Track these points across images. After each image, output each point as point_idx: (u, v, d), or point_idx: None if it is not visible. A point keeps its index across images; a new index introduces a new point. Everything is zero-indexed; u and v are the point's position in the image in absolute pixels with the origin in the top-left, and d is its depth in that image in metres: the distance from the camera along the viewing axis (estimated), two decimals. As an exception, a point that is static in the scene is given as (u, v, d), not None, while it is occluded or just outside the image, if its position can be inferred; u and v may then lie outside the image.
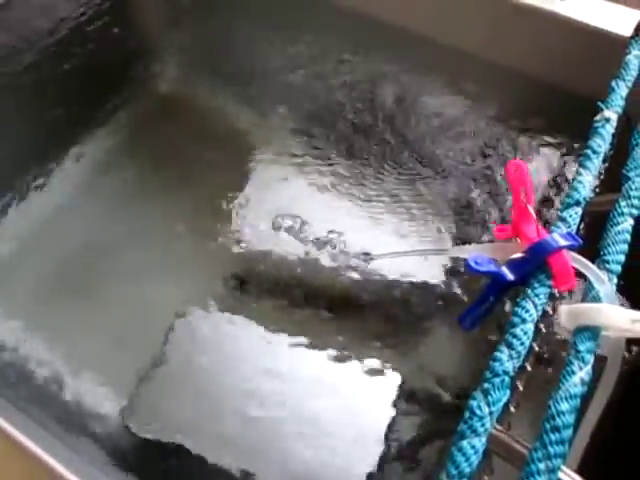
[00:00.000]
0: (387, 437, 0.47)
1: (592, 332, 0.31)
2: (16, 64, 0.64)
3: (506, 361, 0.31)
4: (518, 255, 0.34)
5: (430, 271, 0.55)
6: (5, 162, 0.63)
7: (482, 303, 0.36)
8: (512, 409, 0.35)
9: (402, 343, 0.54)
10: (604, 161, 0.44)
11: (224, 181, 0.64)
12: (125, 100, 0.73)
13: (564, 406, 0.29)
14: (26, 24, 0.65)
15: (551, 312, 0.39)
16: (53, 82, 0.67)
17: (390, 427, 0.47)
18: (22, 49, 0.65)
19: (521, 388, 0.36)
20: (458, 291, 0.55)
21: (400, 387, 0.49)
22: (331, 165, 0.65)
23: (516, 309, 0.33)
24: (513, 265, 0.34)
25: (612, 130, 0.41)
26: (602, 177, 0.46)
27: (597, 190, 0.45)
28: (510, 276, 0.34)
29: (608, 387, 0.32)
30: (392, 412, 0.48)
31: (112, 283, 0.59)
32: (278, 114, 0.70)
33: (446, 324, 0.55)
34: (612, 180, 0.44)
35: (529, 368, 0.37)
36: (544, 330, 0.38)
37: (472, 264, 0.33)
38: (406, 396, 0.50)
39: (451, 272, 0.55)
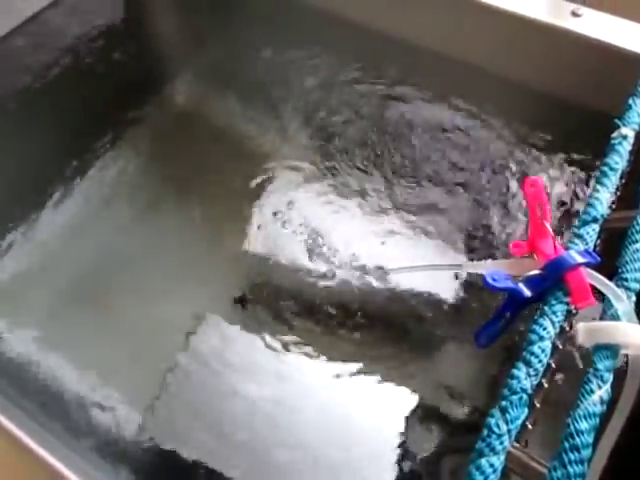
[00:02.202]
0: (402, 454, 0.47)
1: (611, 350, 0.31)
2: (38, 80, 0.66)
3: (524, 379, 0.31)
4: (535, 272, 0.34)
5: (445, 286, 0.55)
6: (21, 178, 0.64)
7: (498, 320, 0.36)
8: (529, 427, 0.35)
9: (417, 358, 0.54)
10: (621, 177, 0.44)
11: (240, 196, 0.65)
12: (141, 115, 0.74)
13: (583, 425, 0.29)
14: (49, 41, 0.67)
15: (568, 329, 0.39)
16: (71, 98, 0.68)
17: (405, 444, 0.47)
18: (44, 65, 0.66)
19: (538, 405, 0.36)
20: (473, 306, 0.55)
21: (415, 403, 0.49)
22: (346, 180, 0.65)
23: (533, 326, 0.33)
24: (530, 282, 0.34)
25: (629, 147, 0.41)
26: (619, 193, 0.46)
27: (614, 206, 0.45)
28: (527, 293, 0.34)
29: (627, 406, 0.32)
30: (407, 428, 0.48)
31: (127, 297, 0.59)
32: (295, 130, 0.71)
33: (461, 339, 0.54)
34: (629, 197, 0.43)
35: (546, 385, 0.37)
36: (561, 347, 0.38)
37: (489, 280, 0.33)
38: (421, 412, 0.50)
39: (467, 287, 0.55)
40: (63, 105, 0.68)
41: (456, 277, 0.55)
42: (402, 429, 0.47)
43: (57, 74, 0.67)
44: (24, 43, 0.65)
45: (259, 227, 0.61)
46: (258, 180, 0.66)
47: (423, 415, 0.50)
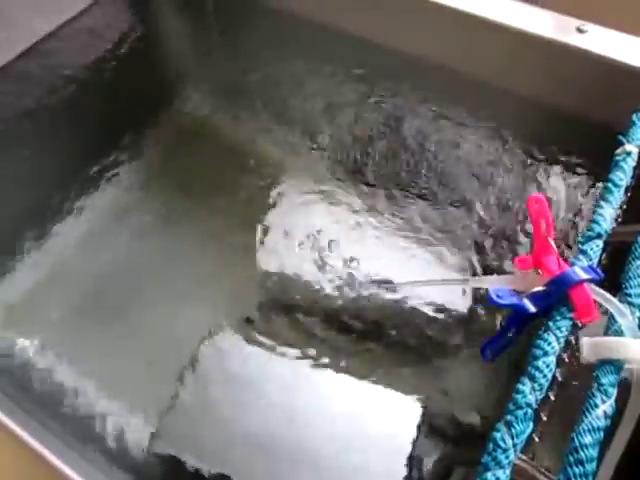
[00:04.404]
0: (411, 465, 0.47)
1: (615, 366, 0.32)
2: (53, 96, 0.67)
3: (529, 393, 0.32)
4: (540, 288, 0.35)
5: (453, 298, 0.56)
6: (35, 191, 0.66)
7: (504, 334, 0.37)
8: (536, 439, 0.35)
9: (425, 369, 0.54)
10: (626, 191, 0.44)
11: (251, 208, 0.66)
12: (154, 128, 0.75)
13: (587, 439, 0.30)
14: (60, 59, 0.69)
15: (574, 341, 0.40)
16: (83, 114, 0.70)
17: (413, 454, 0.47)
18: (56, 83, 0.68)
19: (545, 418, 0.37)
20: (480, 318, 0.55)
21: (423, 414, 0.49)
22: (356, 195, 0.66)
23: (538, 341, 0.33)
24: (534, 297, 0.35)
25: (633, 163, 0.41)
26: (625, 207, 0.47)
27: (619, 220, 0.45)
28: (532, 308, 0.35)
29: (632, 420, 0.33)
30: (415, 439, 0.48)
31: (139, 308, 0.60)
32: (305, 143, 0.72)
33: (468, 350, 0.55)
34: (635, 211, 0.44)
35: (552, 398, 0.37)
36: (567, 360, 0.39)
37: (494, 297, 0.33)
38: (429, 423, 0.50)
39: (474, 299, 0.56)
40: (75, 121, 0.69)
41: (463, 289, 0.56)
42: (411, 439, 0.48)
43: (70, 91, 0.68)
44: (38, 61, 0.66)
45: (270, 240, 0.62)
46: (269, 194, 0.67)
47: (433, 426, 0.51)
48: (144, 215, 0.68)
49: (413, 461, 0.47)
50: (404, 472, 0.46)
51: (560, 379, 0.39)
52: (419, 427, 0.49)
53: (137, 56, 0.75)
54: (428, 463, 0.49)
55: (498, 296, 0.33)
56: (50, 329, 0.59)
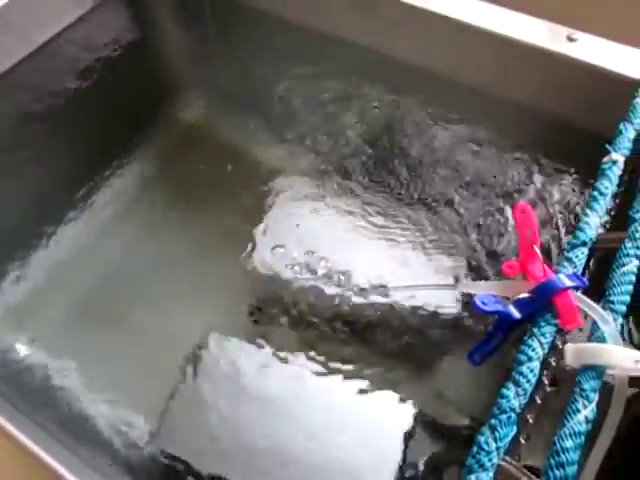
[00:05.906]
0: (402, 466, 0.48)
1: (597, 371, 0.32)
2: (50, 102, 0.68)
3: (513, 398, 0.32)
4: (525, 295, 0.36)
5: (445, 302, 0.56)
6: (34, 195, 0.67)
7: (491, 340, 0.38)
8: (522, 442, 0.36)
9: (418, 372, 0.55)
10: (614, 198, 0.45)
11: (246, 213, 0.66)
12: (151, 133, 0.76)
13: (569, 443, 0.30)
14: (60, 61, 0.69)
15: (561, 345, 0.40)
16: (81, 116, 0.70)
17: (405, 456, 0.48)
18: (53, 88, 0.68)
19: (531, 421, 0.38)
20: (472, 320, 0.56)
21: (415, 416, 0.50)
22: (349, 200, 0.67)
23: (522, 347, 0.34)
24: (520, 304, 0.36)
25: (619, 172, 0.42)
26: (613, 213, 0.47)
27: (607, 226, 0.46)
28: (517, 314, 0.36)
29: (613, 425, 0.33)
30: (407, 441, 0.49)
31: (137, 312, 0.60)
32: (300, 149, 0.72)
33: (460, 353, 0.55)
34: (622, 218, 0.45)
35: (539, 401, 0.38)
36: (554, 364, 0.40)
37: (479, 304, 0.34)
38: (421, 425, 0.51)
39: (465, 302, 0.56)
40: (72, 126, 0.70)
41: (455, 292, 0.57)
42: (402, 441, 0.49)
43: (67, 97, 0.69)
44: (36, 68, 0.67)
45: (266, 243, 0.62)
46: (265, 197, 0.67)
47: (423, 427, 0.51)
48: (143, 218, 0.69)
49: (404, 462, 0.48)
50: (395, 473, 0.47)
51: (547, 382, 0.39)
52: (411, 429, 0.50)
53: (135, 62, 0.76)
54: (419, 464, 0.50)
55: (483, 303, 0.34)
56: (49, 330, 0.60)
